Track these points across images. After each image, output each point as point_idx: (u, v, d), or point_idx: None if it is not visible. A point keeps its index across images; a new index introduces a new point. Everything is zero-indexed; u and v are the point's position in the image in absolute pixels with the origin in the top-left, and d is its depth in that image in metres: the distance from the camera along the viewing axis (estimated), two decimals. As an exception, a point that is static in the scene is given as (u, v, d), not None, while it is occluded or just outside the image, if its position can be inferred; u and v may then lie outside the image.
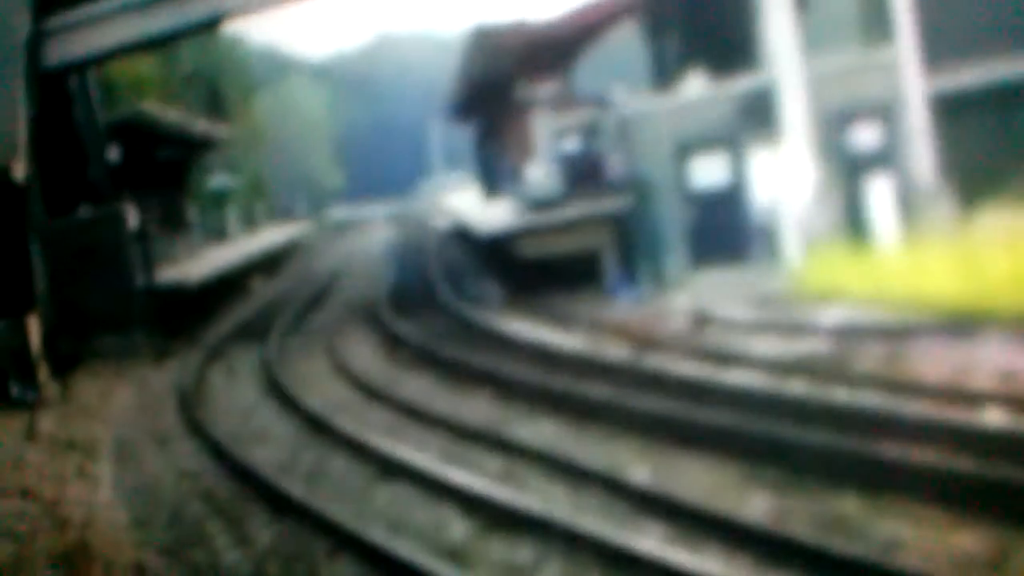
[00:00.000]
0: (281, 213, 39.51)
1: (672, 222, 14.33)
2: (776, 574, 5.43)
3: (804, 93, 14.25)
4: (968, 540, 5.49)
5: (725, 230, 14.14)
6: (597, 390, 9.19)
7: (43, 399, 12.07)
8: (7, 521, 8.28)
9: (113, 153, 17.47)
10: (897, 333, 9.65)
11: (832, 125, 14.22)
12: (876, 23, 14.56)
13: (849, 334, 9.95)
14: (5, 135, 14.32)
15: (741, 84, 14.53)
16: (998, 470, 5.99)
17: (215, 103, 33.23)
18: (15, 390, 12.44)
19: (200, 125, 25.94)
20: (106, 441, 10.18)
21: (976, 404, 7.32)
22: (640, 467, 7.23)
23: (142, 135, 19.70)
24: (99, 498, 8.54)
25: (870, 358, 9.07)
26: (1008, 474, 5.92)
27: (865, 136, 14.36)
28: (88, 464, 9.45)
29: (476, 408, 9.49)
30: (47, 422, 10.98)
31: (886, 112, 14.19)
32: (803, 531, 5.80)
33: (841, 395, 8.03)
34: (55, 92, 15.92)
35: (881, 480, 6.24)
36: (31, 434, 10.53)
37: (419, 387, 10.67)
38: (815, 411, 7.58)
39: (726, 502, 6.34)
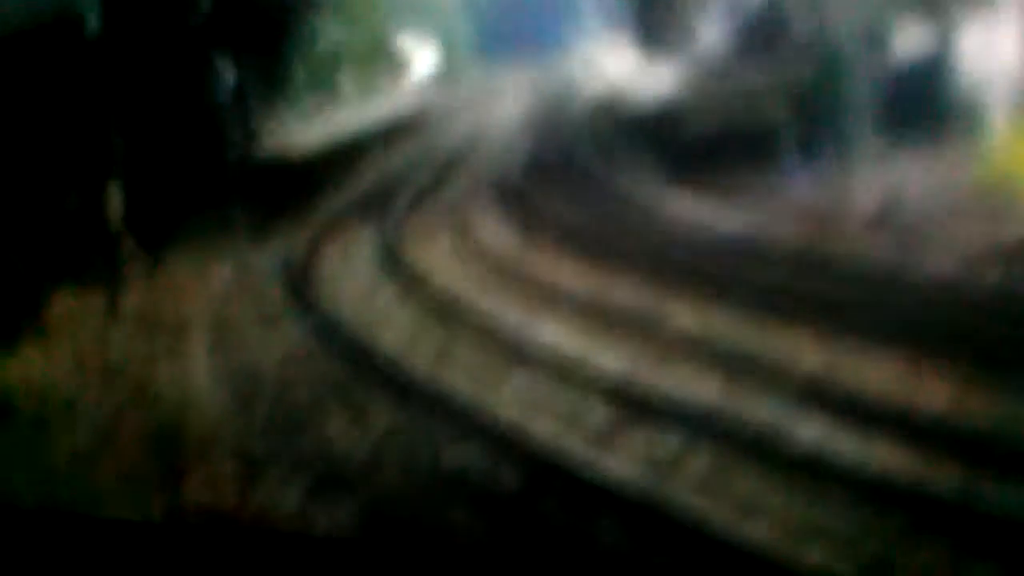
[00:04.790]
0: (402, 75, 40.45)
1: (861, 95, 14.50)
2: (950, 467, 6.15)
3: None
4: None
5: (924, 105, 14.32)
6: (767, 275, 9.99)
7: (127, 275, 13.22)
8: (88, 398, 9.37)
9: (199, -2, 18.29)
10: None
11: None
12: None
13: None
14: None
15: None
16: None
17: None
18: (97, 265, 13.67)
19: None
20: (201, 321, 11.18)
21: None
22: (809, 357, 8.02)
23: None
24: (194, 379, 9.52)
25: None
26: None
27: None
28: (180, 343, 10.47)
29: (625, 292, 10.22)
30: (133, 299, 12.08)
31: None
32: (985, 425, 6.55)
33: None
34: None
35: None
36: (114, 310, 11.65)
37: (560, 269, 11.32)
38: (1013, 300, 8.39)
39: (902, 394, 7.12)
